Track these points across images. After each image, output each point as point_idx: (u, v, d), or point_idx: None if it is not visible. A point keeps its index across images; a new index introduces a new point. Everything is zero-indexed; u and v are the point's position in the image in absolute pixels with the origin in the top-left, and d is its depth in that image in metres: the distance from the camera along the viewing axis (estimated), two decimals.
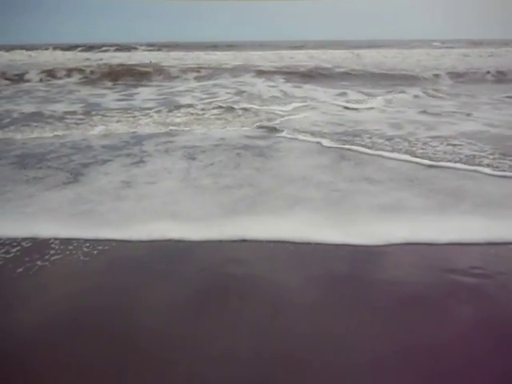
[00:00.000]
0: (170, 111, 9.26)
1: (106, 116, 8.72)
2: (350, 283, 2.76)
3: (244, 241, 3.29)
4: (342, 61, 24.75)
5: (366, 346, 2.19)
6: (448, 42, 52.42)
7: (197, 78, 16.05)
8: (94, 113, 9.12)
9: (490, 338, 2.24)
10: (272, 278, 2.82)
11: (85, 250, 3.21)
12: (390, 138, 6.39)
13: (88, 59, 27.39)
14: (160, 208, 3.91)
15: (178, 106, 9.92)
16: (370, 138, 6.47)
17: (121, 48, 46.84)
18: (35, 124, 7.96)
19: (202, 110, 9.43)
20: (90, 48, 45.95)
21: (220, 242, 3.30)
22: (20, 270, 2.94)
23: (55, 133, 7.22)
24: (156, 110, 9.50)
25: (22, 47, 45.95)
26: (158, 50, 47.21)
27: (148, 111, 9.30)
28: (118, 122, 8.04)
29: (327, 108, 9.55)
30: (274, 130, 7.17)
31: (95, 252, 3.18)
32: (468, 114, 8.46)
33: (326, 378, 2.01)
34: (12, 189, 4.47)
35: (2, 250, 3.20)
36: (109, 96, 12.35)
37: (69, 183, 4.65)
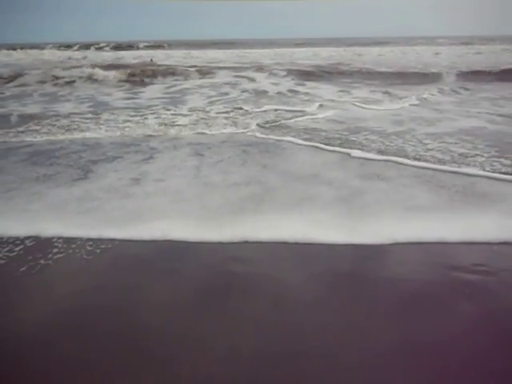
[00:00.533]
0: (177, 109, 9.35)
1: (114, 114, 8.83)
2: (356, 282, 2.78)
3: (246, 242, 3.29)
4: (341, 57, 24.71)
5: (371, 344, 2.20)
6: (451, 39, 52.26)
7: (201, 76, 16.02)
8: (101, 112, 9.21)
9: (499, 338, 2.26)
10: (277, 277, 2.83)
11: (88, 249, 3.23)
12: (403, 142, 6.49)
13: (90, 57, 27.47)
14: (166, 207, 3.96)
15: (185, 105, 9.99)
16: (378, 138, 6.57)
17: (122, 46, 46.78)
18: (44, 122, 8.09)
19: (209, 107, 9.51)
20: (90, 46, 45.96)
21: (224, 243, 3.29)
22: (23, 268, 2.97)
23: (65, 131, 7.33)
24: (163, 108, 9.58)
25: (24, 46, 45.98)
26: (159, 47, 47.19)
27: (155, 109, 9.39)
28: (126, 121, 8.11)
29: (340, 107, 9.51)
30: (281, 129, 7.27)
31: (98, 251, 3.20)
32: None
33: (330, 375, 2.04)
34: (19, 186, 4.57)
35: (6, 249, 3.24)
36: (115, 95, 12.40)
37: (78, 179, 4.76)
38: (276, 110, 9.09)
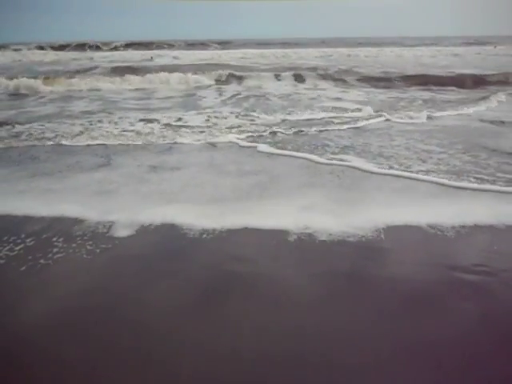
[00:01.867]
0: (190, 111, 9.27)
1: (124, 111, 9.13)
2: (359, 266, 2.92)
3: (246, 228, 3.43)
4: (341, 58, 24.42)
5: (369, 334, 2.26)
6: (453, 39, 51.09)
7: (204, 75, 15.68)
8: (112, 111, 9.30)
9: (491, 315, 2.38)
10: (279, 266, 2.93)
11: (94, 231, 3.37)
12: None
13: (91, 58, 27.36)
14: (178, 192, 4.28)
15: (198, 107, 9.98)
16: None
17: (118, 46, 46.18)
18: (63, 120, 8.41)
19: (220, 108, 9.68)
20: (89, 46, 45.56)
21: (223, 231, 3.39)
22: (24, 257, 3.04)
23: (83, 128, 7.66)
24: (177, 109, 9.58)
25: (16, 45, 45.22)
26: (158, 47, 46.71)
27: (168, 109, 9.57)
28: (140, 120, 8.28)
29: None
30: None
31: (104, 233, 3.32)
32: None
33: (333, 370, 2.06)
34: (43, 171, 5.06)
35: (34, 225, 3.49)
36: (126, 94, 12.49)
37: (102, 166, 5.31)
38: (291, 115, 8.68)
